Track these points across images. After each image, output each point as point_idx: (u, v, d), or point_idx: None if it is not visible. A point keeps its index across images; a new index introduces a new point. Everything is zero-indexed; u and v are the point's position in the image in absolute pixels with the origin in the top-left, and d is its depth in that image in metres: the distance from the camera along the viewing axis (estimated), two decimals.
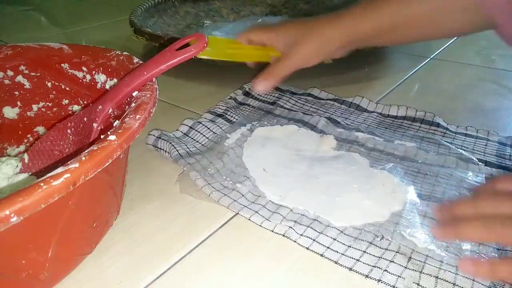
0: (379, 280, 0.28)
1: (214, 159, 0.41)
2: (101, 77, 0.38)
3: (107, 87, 0.37)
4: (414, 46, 0.76)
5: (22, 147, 0.42)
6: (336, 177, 0.38)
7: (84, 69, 0.38)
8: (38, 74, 0.40)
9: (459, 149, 0.41)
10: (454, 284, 0.27)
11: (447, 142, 0.43)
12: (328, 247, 0.31)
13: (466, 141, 0.44)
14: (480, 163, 0.39)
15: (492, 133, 0.44)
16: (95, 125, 0.31)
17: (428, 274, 0.28)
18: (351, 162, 0.40)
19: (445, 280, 0.28)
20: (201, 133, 0.46)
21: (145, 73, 0.29)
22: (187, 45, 0.30)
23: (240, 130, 0.46)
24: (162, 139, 0.43)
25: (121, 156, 0.28)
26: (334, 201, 0.35)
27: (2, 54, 0.39)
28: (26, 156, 0.35)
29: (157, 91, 0.30)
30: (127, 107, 0.29)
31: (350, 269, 0.29)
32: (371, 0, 0.43)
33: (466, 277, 0.28)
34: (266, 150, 0.42)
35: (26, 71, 0.40)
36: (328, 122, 0.47)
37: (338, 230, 0.32)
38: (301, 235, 0.32)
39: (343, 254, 0.30)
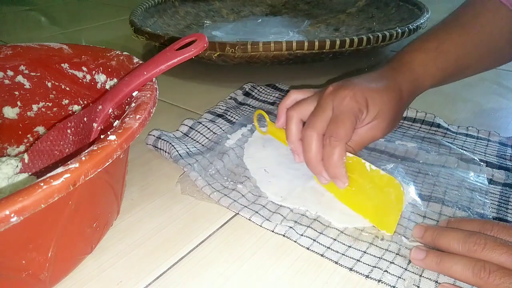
0: (379, 281, 0.28)
1: (214, 159, 0.41)
2: (101, 77, 0.38)
3: (107, 87, 0.37)
4: None
5: (22, 147, 0.42)
6: None
7: (84, 69, 0.38)
8: (38, 74, 0.40)
9: (460, 149, 0.41)
10: None
11: (447, 142, 0.43)
12: (328, 247, 0.31)
13: (467, 141, 0.44)
14: (482, 163, 0.39)
15: (493, 134, 0.44)
16: (95, 125, 0.31)
17: (428, 278, 0.28)
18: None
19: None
20: (201, 133, 0.46)
21: (145, 73, 0.29)
22: (187, 45, 0.30)
23: (241, 130, 0.46)
24: (162, 139, 0.43)
25: (121, 156, 0.28)
26: (335, 201, 0.35)
27: (2, 54, 0.39)
28: (26, 156, 0.35)
29: (157, 91, 0.30)
30: (127, 107, 0.29)
31: (351, 269, 0.29)
32: (429, 49, 0.39)
33: (465, 283, 0.27)
34: (267, 151, 0.42)
35: (26, 71, 0.40)
36: None
37: (339, 230, 0.32)
38: (302, 235, 0.32)
39: (344, 254, 0.30)
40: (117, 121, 0.25)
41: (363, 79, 0.36)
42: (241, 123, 0.47)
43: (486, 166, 0.39)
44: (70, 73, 0.39)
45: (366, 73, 0.38)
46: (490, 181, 0.37)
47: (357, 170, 0.33)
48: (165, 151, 0.42)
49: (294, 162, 0.40)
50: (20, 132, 0.42)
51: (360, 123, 0.34)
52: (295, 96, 0.39)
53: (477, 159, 0.39)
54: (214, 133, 0.46)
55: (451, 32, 0.40)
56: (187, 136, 0.46)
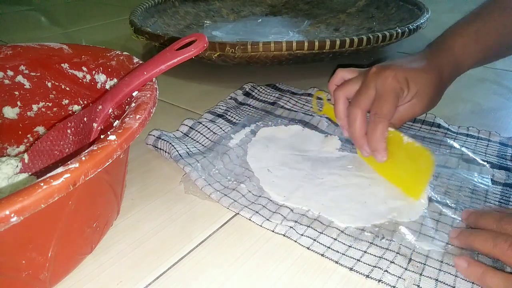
0: (379, 281, 0.28)
1: (215, 159, 0.41)
2: (101, 77, 0.38)
3: (107, 87, 0.37)
4: (414, 46, 0.76)
5: (22, 147, 0.42)
6: (340, 177, 0.38)
7: (84, 69, 0.38)
8: (38, 74, 0.40)
9: (462, 149, 0.41)
10: (453, 287, 0.27)
11: (448, 142, 0.43)
12: (328, 247, 0.31)
13: (467, 141, 0.43)
14: (486, 164, 0.39)
15: (494, 134, 0.44)
16: (95, 125, 0.31)
17: (428, 276, 0.28)
18: (355, 163, 0.40)
19: (444, 283, 0.27)
20: (201, 134, 0.46)
21: (145, 73, 0.29)
22: (187, 45, 0.30)
23: (244, 130, 0.46)
24: (162, 139, 0.43)
25: (121, 156, 0.28)
26: (339, 201, 0.35)
27: (2, 54, 0.39)
28: (26, 156, 0.35)
29: (157, 91, 0.30)
30: (127, 107, 0.29)
31: (351, 269, 0.29)
32: (469, 32, 0.41)
33: (466, 280, 0.28)
34: (270, 151, 0.42)
35: (26, 71, 0.40)
36: (328, 122, 0.47)
37: (339, 230, 0.32)
38: (302, 235, 0.32)
39: (344, 254, 0.30)
40: (117, 121, 0.25)
41: (404, 61, 0.39)
42: (245, 123, 0.47)
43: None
44: (70, 73, 0.39)
45: (408, 56, 0.41)
46: (491, 181, 0.37)
47: (396, 143, 0.35)
48: (165, 151, 0.42)
49: (297, 162, 0.40)
50: (20, 132, 0.42)
51: (402, 101, 0.37)
52: (342, 74, 0.42)
53: (480, 160, 0.39)
54: (214, 133, 0.46)
55: (491, 13, 0.42)
56: (187, 136, 0.46)
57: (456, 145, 0.42)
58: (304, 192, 0.36)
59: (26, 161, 0.35)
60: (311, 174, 0.39)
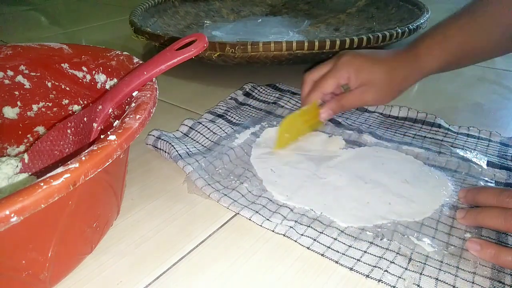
0: (379, 281, 0.28)
1: (216, 159, 0.40)
2: (101, 77, 0.38)
3: (107, 87, 0.37)
4: None
5: (22, 147, 0.42)
6: (344, 177, 0.38)
7: (84, 69, 0.38)
8: (38, 74, 0.40)
9: (459, 150, 0.41)
10: (453, 286, 0.27)
11: (448, 143, 0.43)
12: (328, 247, 0.31)
13: (468, 141, 0.43)
14: (487, 166, 0.39)
15: (494, 134, 0.44)
16: (95, 125, 0.31)
17: (428, 276, 0.28)
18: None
19: (444, 282, 0.27)
20: (201, 134, 0.46)
21: (145, 73, 0.29)
22: (187, 45, 0.30)
23: (249, 130, 0.46)
24: (162, 139, 0.43)
25: (121, 156, 0.28)
26: (341, 201, 0.35)
27: (2, 54, 0.39)
28: (26, 156, 0.35)
29: (157, 91, 0.30)
30: (127, 107, 0.28)
31: (351, 269, 0.29)
32: (436, 34, 0.43)
33: (466, 280, 0.28)
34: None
35: (26, 71, 0.40)
36: (329, 122, 0.47)
37: (339, 230, 0.32)
38: (302, 235, 0.32)
39: (344, 254, 0.30)
40: (117, 121, 0.25)
41: (370, 52, 0.44)
42: (250, 123, 0.47)
43: (488, 166, 0.39)
44: (70, 73, 0.39)
45: (384, 50, 0.45)
46: (493, 182, 0.37)
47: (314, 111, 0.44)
48: (165, 151, 0.42)
49: (300, 162, 0.40)
50: (20, 132, 0.42)
51: (351, 85, 0.43)
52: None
53: (483, 164, 0.39)
54: (214, 133, 0.46)
55: (459, 18, 0.43)
56: (187, 136, 0.46)
57: (461, 153, 0.41)
58: (307, 191, 0.36)
59: (26, 161, 0.35)
60: (314, 174, 0.39)
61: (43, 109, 0.42)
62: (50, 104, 0.41)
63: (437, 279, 0.28)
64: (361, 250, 0.30)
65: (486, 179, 0.37)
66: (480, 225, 0.31)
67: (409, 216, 0.33)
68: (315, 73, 0.45)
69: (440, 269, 0.28)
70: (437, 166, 0.39)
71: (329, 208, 0.34)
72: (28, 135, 0.42)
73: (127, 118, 0.25)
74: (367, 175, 0.38)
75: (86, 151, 0.21)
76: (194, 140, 0.45)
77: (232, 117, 0.49)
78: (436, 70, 0.43)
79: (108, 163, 0.22)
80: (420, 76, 0.44)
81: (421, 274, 0.28)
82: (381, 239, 0.31)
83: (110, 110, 0.31)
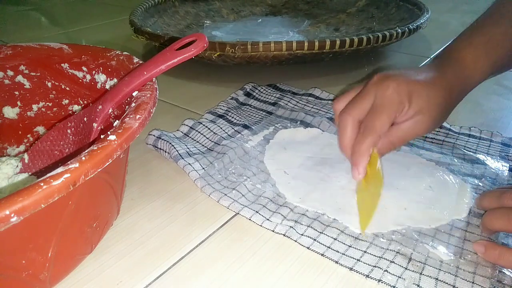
0: (379, 280, 0.28)
1: (216, 159, 0.40)
2: (101, 77, 0.38)
3: (107, 87, 0.37)
4: (414, 46, 0.76)
5: (22, 147, 0.42)
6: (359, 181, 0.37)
7: (84, 69, 0.38)
8: (38, 74, 0.40)
9: (463, 150, 0.41)
10: (453, 286, 0.27)
11: (449, 143, 0.43)
12: (328, 247, 0.31)
13: (469, 141, 0.43)
14: (486, 159, 0.39)
15: (496, 134, 0.44)
16: (95, 125, 0.31)
17: (428, 275, 0.28)
18: None
19: (444, 282, 0.27)
20: (202, 134, 0.46)
21: (145, 73, 0.29)
22: (187, 45, 0.30)
23: (263, 132, 0.46)
24: (162, 139, 0.43)
25: (121, 156, 0.28)
26: (355, 205, 0.34)
27: (2, 54, 0.39)
28: (26, 156, 0.35)
29: (157, 91, 0.30)
30: (127, 107, 0.28)
31: (351, 269, 0.29)
32: (480, 42, 0.38)
33: (466, 280, 0.28)
34: (288, 153, 0.42)
35: (26, 71, 0.40)
36: (330, 122, 0.47)
37: (339, 229, 0.32)
38: (302, 234, 0.32)
39: (344, 254, 0.30)
40: (117, 121, 0.25)
41: (411, 71, 0.36)
42: (264, 125, 0.47)
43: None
44: (70, 73, 0.39)
45: (416, 67, 0.37)
46: (493, 182, 0.37)
47: (372, 164, 0.33)
48: (165, 151, 0.42)
49: (315, 164, 0.39)
50: (20, 132, 0.42)
51: (401, 117, 0.33)
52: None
53: (488, 163, 0.39)
54: (214, 133, 0.46)
55: (499, 24, 0.39)
56: (188, 136, 0.46)
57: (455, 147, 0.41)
58: (321, 194, 0.36)
59: (26, 161, 0.35)
60: (329, 176, 0.38)
61: (43, 109, 0.42)
62: (50, 104, 0.41)
63: (437, 279, 0.28)
64: (361, 250, 0.30)
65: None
66: (489, 228, 0.30)
67: (427, 223, 0.32)
68: (355, 109, 0.34)
69: (440, 269, 0.28)
70: (462, 172, 0.38)
71: (342, 212, 0.34)
72: (28, 135, 0.42)
73: (127, 118, 0.25)
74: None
75: (86, 151, 0.21)
76: (195, 140, 0.45)
77: (232, 117, 0.49)
78: (478, 83, 0.38)
79: (108, 163, 0.22)
80: (467, 93, 0.38)
81: (421, 274, 0.28)
82: (381, 239, 0.31)
83: (110, 110, 0.31)
